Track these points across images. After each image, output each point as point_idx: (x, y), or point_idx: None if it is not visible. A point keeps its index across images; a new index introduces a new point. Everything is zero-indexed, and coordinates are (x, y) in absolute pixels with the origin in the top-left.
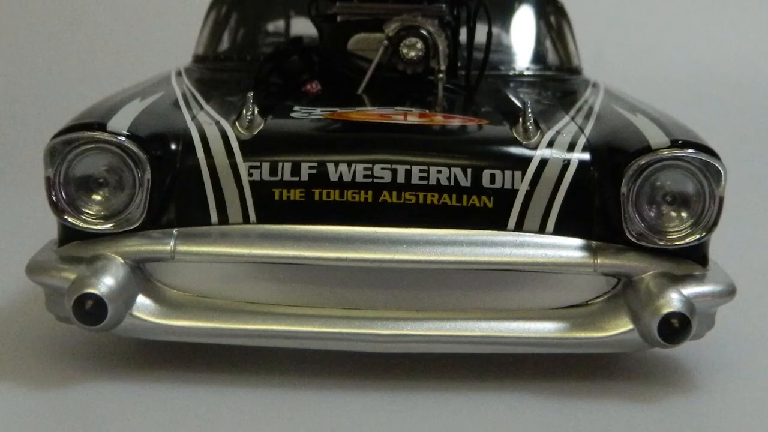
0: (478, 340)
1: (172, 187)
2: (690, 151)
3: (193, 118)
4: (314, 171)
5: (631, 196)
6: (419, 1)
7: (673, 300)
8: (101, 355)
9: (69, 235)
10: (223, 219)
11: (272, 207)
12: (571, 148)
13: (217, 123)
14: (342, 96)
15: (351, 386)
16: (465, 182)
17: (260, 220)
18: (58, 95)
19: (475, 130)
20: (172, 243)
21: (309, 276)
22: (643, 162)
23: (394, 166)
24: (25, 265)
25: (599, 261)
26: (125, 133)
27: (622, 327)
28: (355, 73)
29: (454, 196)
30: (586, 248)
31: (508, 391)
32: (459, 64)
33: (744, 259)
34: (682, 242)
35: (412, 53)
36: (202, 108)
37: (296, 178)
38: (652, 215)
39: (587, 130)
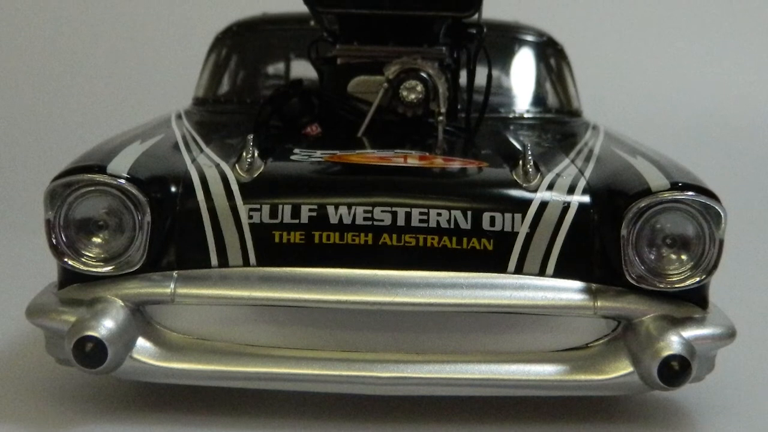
0: (479, 383)
1: (172, 230)
2: (690, 193)
3: (193, 160)
4: (314, 214)
5: (631, 238)
6: (419, 44)
7: (673, 343)
8: (101, 397)
9: (69, 277)
10: (223, 262)
11: (272, 250)
12: (571, 190)
13: (217, 165)
14: (342, 138)
15: (351, 429)
16: (465, 225)
17: (260, 262)
18: (58, 138)
19: (475, 173)
20: (172, 286)
21: (309, 319)
22: (643, 204)
23: (394, 209)
24: (25, 308)
25: (599, 304)
26: (125, 175)
27: (622, 370)
28: (355, 115)
29: (454, 239)
30: (586, 291)
31: None
32: (459, 107)
33: (744, 302)
34: (682, 285)
35: (412, 96)
36: (202, 150)
37: (296, 221)
38: (652, 258)
39: (587, 173)
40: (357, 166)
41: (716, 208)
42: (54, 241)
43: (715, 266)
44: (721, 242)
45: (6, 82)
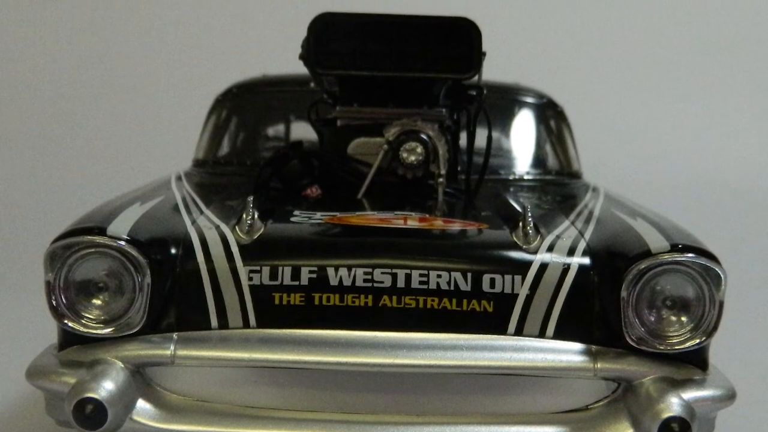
0: None
1: (172, 292)
2: (690, 255)
3: (193, 222)
4: (314, 275)
5: (631, 300)
6: (419, 106)
7: (673, 404)
8: None
9: (69, 339)
10: (223, 323)
11: (272, 311)
12: (571, 252)
13: (217, 227)
14: (342, 200)
15: None
16: (465, 286)
17: (260, 324)
18: (58, 199)
19: (475, 235)
20: (172, 347)
21: (309, 380)
22: (643, 266)
23: (394, 271)
24: (25, 370)
25: (599, 365)
26: (125, 237)
27: (622, 431)
28: (355, 177)
29: (454, 301)
30: (586, 353)
31: None
32: (459, 169)
33: (744, 364)
34: (682, 347)
35: (412, 157)
36: (202, 212)
37: (296, 283)
38: (652, 319)
39: (587, 235)
40: (357, 227)
41: (716, 269)
42: (54, 302)
43: (715, 328)
44: (721, 304)
45: (6, 143)
